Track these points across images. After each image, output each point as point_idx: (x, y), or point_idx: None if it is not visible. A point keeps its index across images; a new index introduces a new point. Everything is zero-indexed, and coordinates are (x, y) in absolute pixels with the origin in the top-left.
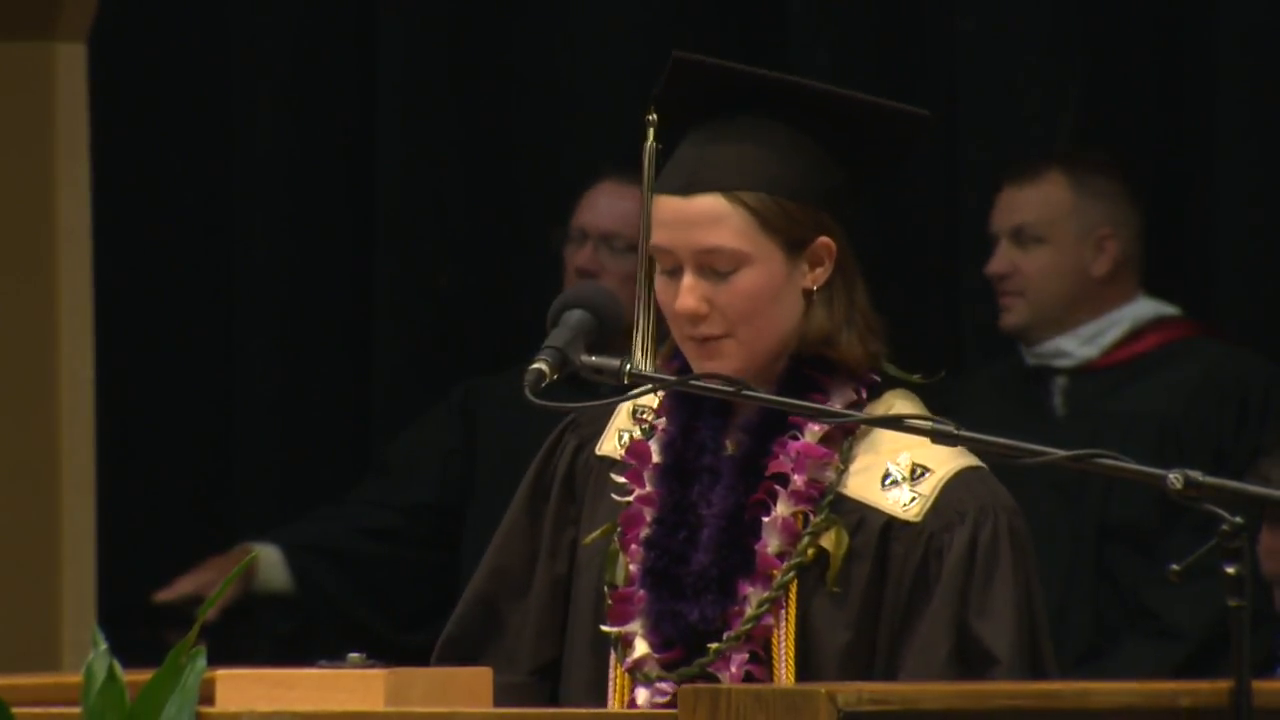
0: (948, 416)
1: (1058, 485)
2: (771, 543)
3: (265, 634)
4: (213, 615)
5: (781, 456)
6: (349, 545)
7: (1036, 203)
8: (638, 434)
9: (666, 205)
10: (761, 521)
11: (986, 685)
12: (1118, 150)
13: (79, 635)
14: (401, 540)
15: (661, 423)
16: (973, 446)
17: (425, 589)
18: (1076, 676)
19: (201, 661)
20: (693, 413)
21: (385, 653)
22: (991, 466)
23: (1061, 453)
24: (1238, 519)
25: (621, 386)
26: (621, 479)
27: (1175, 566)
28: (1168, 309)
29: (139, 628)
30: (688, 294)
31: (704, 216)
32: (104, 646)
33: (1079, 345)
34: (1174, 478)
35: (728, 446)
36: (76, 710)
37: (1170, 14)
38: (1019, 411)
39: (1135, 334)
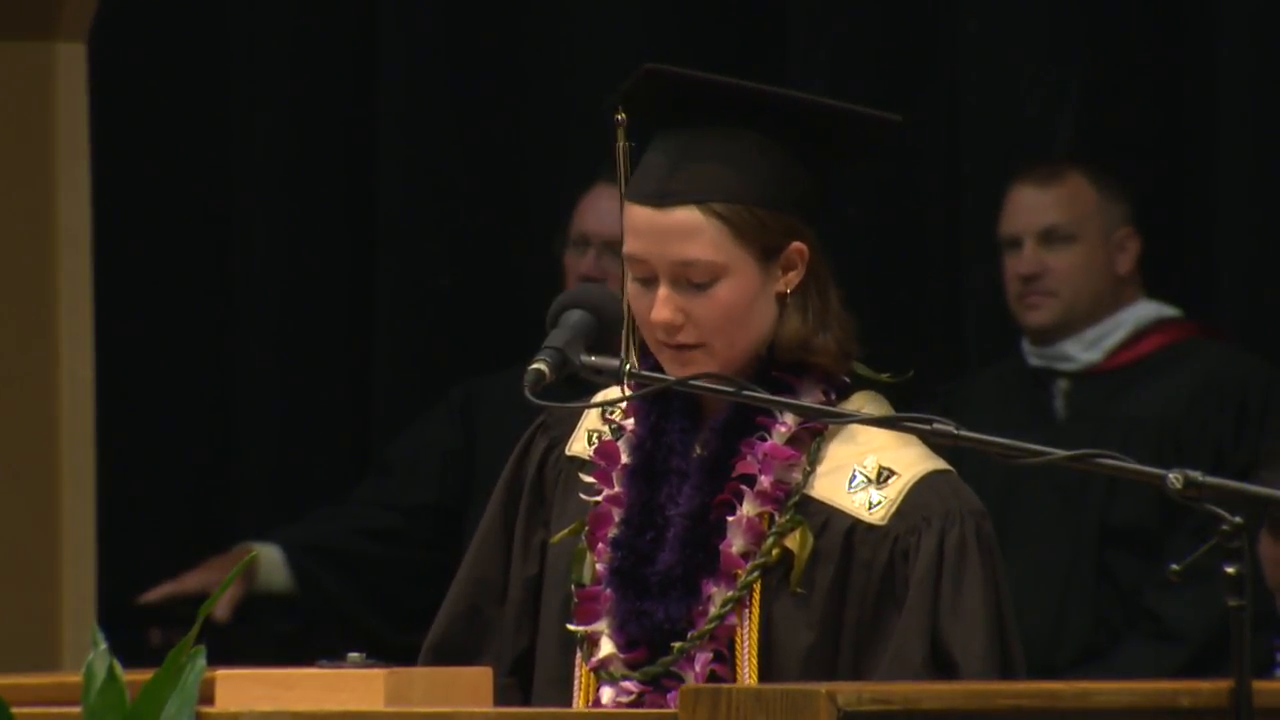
0: (948, 419)
1: (1059, 487)
2: (736, 543)
3: (265, 634)
4: (224, 614)
5: (749, 457)
6: (349, 545)
7: (1064, 202)
8: (607, 434)
9: (640, 215)
10: (726, 521)
11: (987, 685)
12: (1117, 152)
13: (79, 635)
14: (402, 540)
15: (630, 423)
16: (973, 447)
17: (426, 589)
18: (1076, 677)
19: (201, 661)
20: (661, 414)
21: (385, 653)
22: (992, 468)
23: (1061, 453)
24: (1237, 519)
25: (601, 388)
26: (590, 479)
27: (1175, 566)
28: (1169, 310)
29: (139, 628)
30: (663, 305)
31: (679, 228)
32: (104, 646)
33: (1083, 349)
34: (1174, 478)
35: (696, 449)
36: (76, 710)
37: (1171, 15)
38: (1020, 415)
39: (1137, 336)
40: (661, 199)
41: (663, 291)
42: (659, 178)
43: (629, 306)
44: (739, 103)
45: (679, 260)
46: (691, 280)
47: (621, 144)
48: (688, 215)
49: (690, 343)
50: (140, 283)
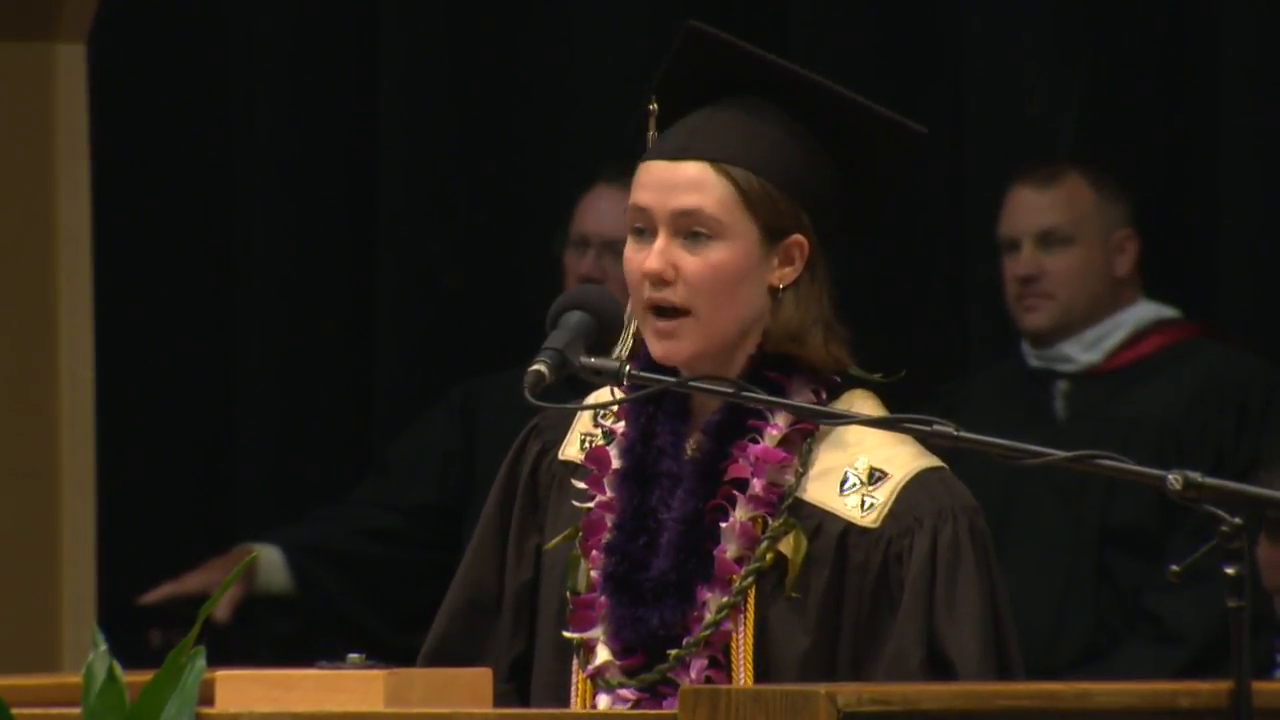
0: (949, 419)
1: (1059, 488)
2: (730, 548)
3: (265, 634)
4: (224, 615)
5: (740, 460)
6: (349, 546)
7: (1062, 204)
8: (599, 437)
9: (653, 167)
10: (720, 526)
11: (987, 686)
12: (1121, 152)
13: (79, 635)
14: (402, 541)
15: (620, 427)
16: (973, 448)
17: (425, 590)
18: (1076, 678)
19: (201, 662)
20: (651, 416)
21: (385, 653)
22: (992, 469)
23: (1061, 454)
24: (1237, 520)
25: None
26: (582, 485)
27: (1175, 568)
28: (1168, 311)
29: (139, 628)
30: (657, 256)
31: (689, 181)
32: (104, 647)
33: (1082, 350)
34: (1173, 478)
35: (687, 450)
36: (76, 711)
37: (1173, 16)
38: (1020, 416)
39: (1137, 337)
40: (676, 153)
41: (659, 243)
42: (679, 138)
43: (629, 311)
44: (771, 78)
45: (682, 209)
46: (692, 231)
47: (652, 134)
48: (700, 169)
49: (676, 303)
50: (140, 283)
